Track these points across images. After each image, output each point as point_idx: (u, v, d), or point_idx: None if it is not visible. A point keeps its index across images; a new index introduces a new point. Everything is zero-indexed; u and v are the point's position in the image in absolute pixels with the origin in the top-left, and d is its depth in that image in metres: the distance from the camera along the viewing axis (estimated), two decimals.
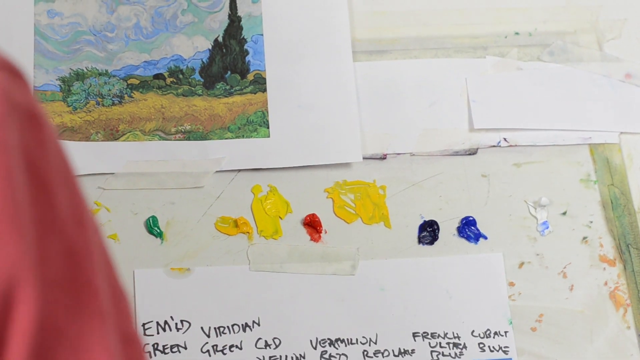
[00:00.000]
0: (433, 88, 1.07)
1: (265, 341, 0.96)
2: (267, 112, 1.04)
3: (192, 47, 1.06)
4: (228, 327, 0.96)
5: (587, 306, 0.99)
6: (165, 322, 0.95)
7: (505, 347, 0.97)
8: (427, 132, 1.05)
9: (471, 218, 1.01)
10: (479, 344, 0.97)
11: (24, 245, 0.46)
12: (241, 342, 0.95)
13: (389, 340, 0.97)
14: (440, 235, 1.01)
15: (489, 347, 0.97)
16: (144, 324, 0.95)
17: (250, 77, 1.06)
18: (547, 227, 1.02)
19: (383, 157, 1.04)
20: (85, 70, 1.05)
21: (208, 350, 0.95)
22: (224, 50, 1.07)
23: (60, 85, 1.03)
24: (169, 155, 1.02)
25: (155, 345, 0.94)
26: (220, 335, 0.95)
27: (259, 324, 0.96)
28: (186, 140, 1.03)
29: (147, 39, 1.07)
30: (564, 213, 1.03)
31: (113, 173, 1.00)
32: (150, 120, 1.04)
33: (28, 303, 0.46)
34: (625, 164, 1.05)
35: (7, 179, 0.46)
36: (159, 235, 0.99)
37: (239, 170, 1.02)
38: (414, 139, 1.05)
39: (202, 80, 1.06)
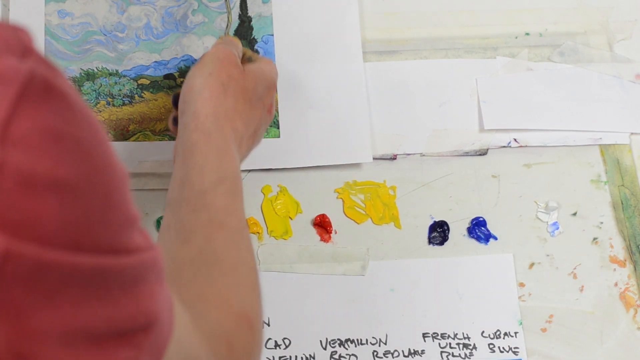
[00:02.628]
0: (443, 88, 1.07)
1: (275, 341, 0.96)
2: (278, 113, 1.04)
3: (203, 47, 1.06)
4: None
5: (597, 307, 0.99)
6: None
7: (515, 347, 0.97)
8: (438, 132, 1.05)
9: (481, 219, 1.01)
10: (489, 344, 0.97)
11: None
12: None
13: (399, 340, 0.97)
14: (450, 235, 1.01)
15: (499, 347, 0.97)
16: None
17: None
18: (558, 228, 1.02)
19: (393, 158, 1.04)
20: (95, 70, 1.05)
21: None
22: None
23: None
24: None
25: None
26: None
27: (268, 324, 0.96)
28: None
29: (158, 39, 1.07)
30: (575, 214, 1.02)
31: None
32: (161, 120, 1.04)
33: None
34: (635, 165, 1.05)
35: None
36: None
37: (249, 171, 1.02)
38: (424, 139, 1.05)
39: None
